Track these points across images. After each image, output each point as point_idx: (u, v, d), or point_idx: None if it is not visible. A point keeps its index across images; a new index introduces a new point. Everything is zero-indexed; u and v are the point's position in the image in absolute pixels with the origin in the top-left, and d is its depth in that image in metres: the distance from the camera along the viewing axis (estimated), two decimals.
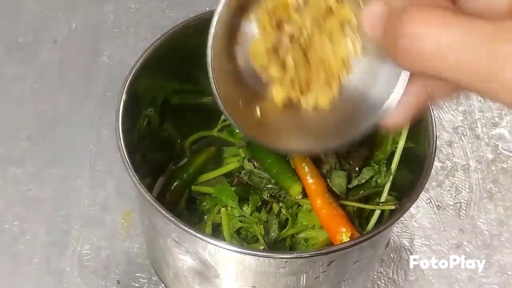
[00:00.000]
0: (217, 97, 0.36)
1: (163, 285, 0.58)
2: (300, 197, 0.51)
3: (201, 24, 0.52)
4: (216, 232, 0.52)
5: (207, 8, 0.76)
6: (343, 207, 0.51)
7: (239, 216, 0.51)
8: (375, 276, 0.60)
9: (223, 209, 0.50)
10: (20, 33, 0.73)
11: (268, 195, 0.53)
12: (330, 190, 0.52)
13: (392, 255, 0.61)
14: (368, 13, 0.31)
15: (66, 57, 0.72)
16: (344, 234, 0.48)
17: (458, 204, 0.64)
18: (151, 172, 0.57)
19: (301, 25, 0.37)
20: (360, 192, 0.52)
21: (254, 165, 0.53)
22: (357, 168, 0.52)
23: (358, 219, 0.52)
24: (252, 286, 0.47)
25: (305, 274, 0.46)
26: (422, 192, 0.46)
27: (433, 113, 0.49)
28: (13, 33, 0.73)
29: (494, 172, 0.66)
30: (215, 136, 0.59)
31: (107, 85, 0.70)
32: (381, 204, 0.50)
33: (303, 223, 0.52)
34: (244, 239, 0.52)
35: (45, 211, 0.62)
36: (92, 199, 0.62)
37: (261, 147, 0.53)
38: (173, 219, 0.42)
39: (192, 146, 0.60)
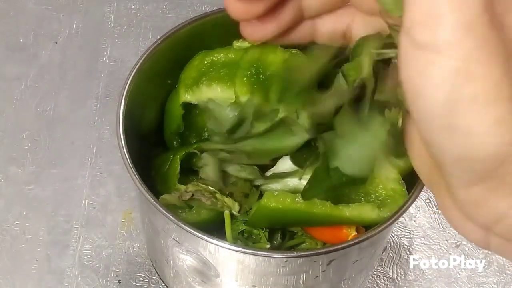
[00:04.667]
0: None
1: (163, 284, 0.58)
2: None
3: (202, 24, 0.53)
4: (221, 234, 0.52)
5: (208, 8, 0.76)
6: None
7: (242, 220, 0.51)
8: (375, 276, 0.60)
9: (226, 212, 0.50)
10: (21, 34, 0.73)
11: None
12: None
13: (391, 255, 0.61)
14: None
15: (66, 57, 0.72)
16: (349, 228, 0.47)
17: None
18: (151, 172, 0.58)
19: None
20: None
21: None
22: None
23: None
24: (252, 286, 0.48)
25: (305, 274, 0.46)
26: (422, 192, 0.46)
27: None
28: (13, 33, 0.73)
29: None
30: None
31: (108, 85, 0.70)
32: None
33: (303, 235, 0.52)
34: (247, 238, 0.52)
35: (46, 211, 0.62)
36: (92, 199, 0.63)
37: None
38: (173, 219, 0.43)
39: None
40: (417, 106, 0.25)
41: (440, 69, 0.23)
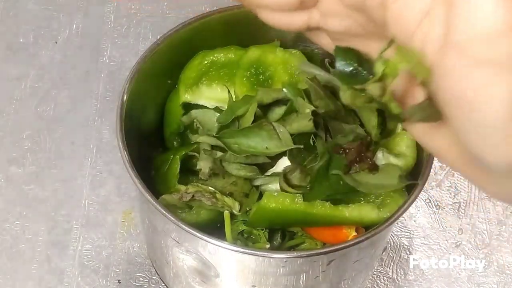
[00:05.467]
0: None
1: (163, 284, 0.58)
2: None
3: (202, 24, 0.53)
4: (221, 234, 0.52)
5: (207, 9, 0.76)
6: None
7: (242, 220, 0.51)
8: (375, 276, 0.60)
9: (226, 212, 0.50)
10: (21, 34, 0.73)
11: None
12: None
13: (391, 255, 0.61)
14: None
15: (66, 57, 0.72)
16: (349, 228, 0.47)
17: (457, 204, 0.64)
18: (151, 172, 0.58)
19: None
20: None
21: None
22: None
23: None
24: (252, 286, 0.48)
25: (304, 274, 0.46)
26: (422, 192, 0.46)
27: None
28: (14, 34, 0.73)
29: None
30: None
31: (108, 85, 0.70)
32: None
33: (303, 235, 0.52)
34: (246, 238, 0.52)
35: (46, 211, 0.62)
36: (92, 199, 0.63)
37: None
38: (173, 219, 0.43)
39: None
40: (470, 121, 0.24)
41: (504, 86, 0.22)
